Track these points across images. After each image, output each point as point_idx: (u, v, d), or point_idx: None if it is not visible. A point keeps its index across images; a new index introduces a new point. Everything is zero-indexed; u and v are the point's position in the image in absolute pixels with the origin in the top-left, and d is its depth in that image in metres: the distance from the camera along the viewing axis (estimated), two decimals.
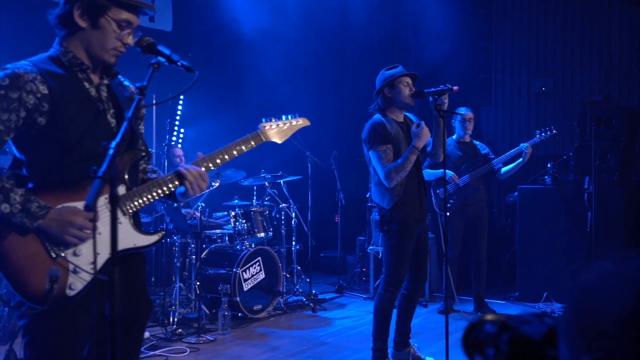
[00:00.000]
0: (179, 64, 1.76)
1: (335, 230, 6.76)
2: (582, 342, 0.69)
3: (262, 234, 5.39)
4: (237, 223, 5.26)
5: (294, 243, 5.90)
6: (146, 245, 1.88)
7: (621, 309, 0.66)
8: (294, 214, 5.80)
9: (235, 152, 2.03)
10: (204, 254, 5.15)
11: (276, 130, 2.19)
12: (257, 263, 5.12)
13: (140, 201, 1.86)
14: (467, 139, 5.27)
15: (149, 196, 1.87)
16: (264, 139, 2.12)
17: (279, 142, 2.21)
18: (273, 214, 5.80)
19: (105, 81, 1.90)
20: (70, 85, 1.81)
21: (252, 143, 2.07)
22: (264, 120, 2.17)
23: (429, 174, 4.77)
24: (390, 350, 3.70)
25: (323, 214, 7.04)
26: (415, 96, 3.52)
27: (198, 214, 4.95)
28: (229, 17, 6.46)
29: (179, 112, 6.36)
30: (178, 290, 4.84)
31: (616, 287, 0.67)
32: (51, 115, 1.76)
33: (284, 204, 5.76)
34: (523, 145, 5.02)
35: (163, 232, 1.91)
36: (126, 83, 2.04)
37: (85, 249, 1.77)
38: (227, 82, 6.82)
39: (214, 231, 5.45)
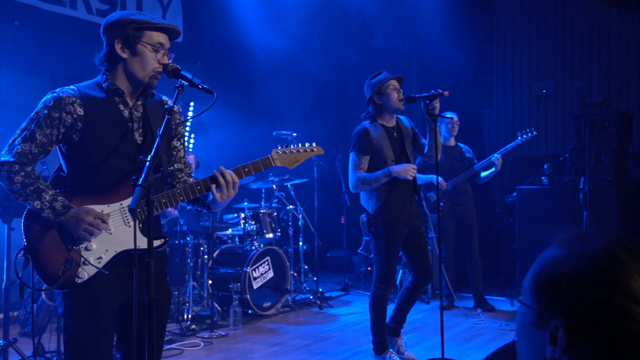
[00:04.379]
0: (199, 87, 2.02)
1: (340, 230, 6.99)
2: (554, 306, 0.81)
3: (271, 235, 5.64)
4: (246, 224, 5.50)
5: (301, 243, 6.14)
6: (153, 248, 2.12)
7: (585, 278, 0.79)
8: (300, 216, 6.05)
9: (243, 174, 2.20)
10: (215, 254, 5.41)
11: (287, 157, 2.35)
12: (266, 262, 5.36)
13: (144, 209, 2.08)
14: (452, 142, 5.49)
15: (160, 204, 2.09)
16: (272, 164, 2.31)
17: (289, 167, 2.39)
18: (281, 215, 6.05)
19: (141, 102, 2.17)
20: (105, 107, 2.10)
21: (262, 167, 2.25)
22: (278, 146, 2.35)
23: (418, 178, 4.97)
24: None
25: (329, 216, 7.25)
26: (407, 101, 3.68)
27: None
28: (237, 28, 6.73)
29: (189, 116, 6.63)
30: (191, 289, 5.10)
31: (579, 262, 0.81)
32: (83, 133, 2.05)
33: (291, 206, 6.00)
34: (494, 155, 5.24)
35: (167, 239, 2.14)
36: (170, 103, 2.24)
37: (97, 245, 2.06)
38: (234, 90, 7.07)
39: (224, 232, 5.70)
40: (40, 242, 2.03)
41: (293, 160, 2.38)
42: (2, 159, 2.02)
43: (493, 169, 5.28)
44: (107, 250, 2.06)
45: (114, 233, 2.06)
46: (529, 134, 5.32)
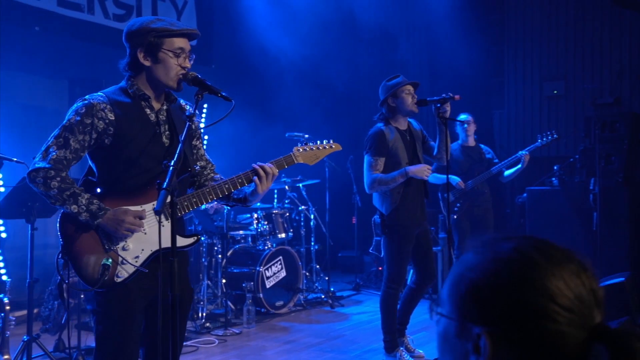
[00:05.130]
0: (219, 94, 2.12)
1: (352, 231, 7.06)
2: (474, 314, 0.79)
3: (283, 235, 5.73)
4: (259, 224, 5.59)
5: (312, 243, 6.23)
6: (184, 246, 2.23)
7: (501, 282, 0.78)
8: (312, 216, 6.13)
9: None
10: (229, 253, 5.50)
11: (308, 154, 2.45)
12: (279, 262, 5.46)
13: (180, 207, 2.20)
14: (472, 142, 5.47)
15: (189, 203, 2.20)
16: (295, 162, 2.41)
17: (310, 164, 2.48)
18: (293, 215, 6.14)
19: (164, 106, 2.27)
20: (133, 112, 2.19)
21: (285, 165, 2.37)
22: (299, 144, 2.45)
23: (436, 178, 5.01)
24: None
25: (340, 216, 7.31)
26: (419, 104, 3.77)
27: (217, 205, 5.27)
28: (250, 31, 6.83)
29: (203, 120, 6.75)
30: (205, 288, 5.21)
31: (493, 266, 0.80)
32: (115, 137, 2.14)
33: (303, 207, 6.09)
34: (522, 152, 5.22)
35: (199, 237, 2.25)
36: (187, 107, 2.38)
37: (133, 245, 2.15)
38: (247, 92, 7.17)
39: (238, 232, 5.79)
40: (77, 244, 2.10)
41: (313, 157, 2.46)
42: (38, 165, 2.08)
43: (519, 166, 5.16)
44: (142, 250, 2.14)
45: (149, 233, 2.14)
46: (549, 137, 5.26)
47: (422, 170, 3.69)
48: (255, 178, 2.23)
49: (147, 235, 2.14)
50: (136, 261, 2.13)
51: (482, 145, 5.57)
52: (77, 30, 5.47)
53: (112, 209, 2.10)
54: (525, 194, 6.21)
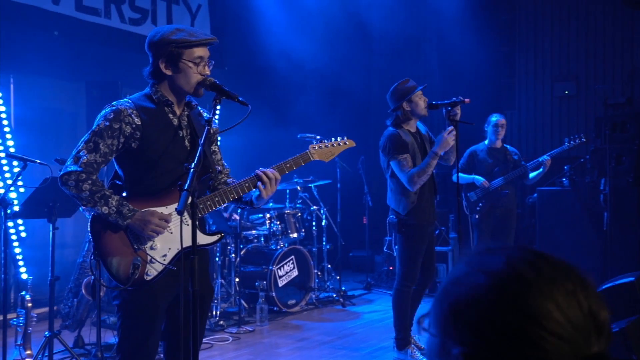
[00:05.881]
0: (236, 100, 2.21)
1: (363, 230, 7.12)
2: (454, 332, 0.70)
3: (295, 235, 5.80)
4: (271, 224, 5.67)
5: (324, 243, 6.30)
6: (208, 244, 2.33)
7: (483, 298, 0.69)
8: (324, 216, 6.21)
9: (286, 170, 2.42)
10: (242, 252, 5.58)
11: (323, 151, 2.53)
12: (291, 261, 5.54)
13: (204, 207, 2.30)
14: (499, 144, 5.41)
15: (213, 203, 2.30)
16: (311, 159, 2.49)
17: (326, 161, 2.56)
18: (305, 216, 6.22)
19: (186, 112, 2.38)
20: (158, 117, 2.29)
21: (301, 162, 2.45)
22: (314, 142, 2.53)
23: (461, 178, 5.01)
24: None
25: (352, 216, 7.37)
26: (430, 108, 3.83)
27: (237, 217, 5.41)
28: (262, 33, 6.92)
29: (216, 121, 6.85)
30: (219, 286, 5.30)
31: (477, 279, 0.71)
32: (141, 140, 2.24)
33: (315, 207, 6.17)
34: (544, 157, 5.20)
35: (222, 234, 2.35)
36: (205, 114, 2.49)
37: (160, 244, 2.24)
38: (259, 95, 7.26)
39: (250, 232, 5.88)
40: (108, 244, 2.20)
41: (329, 154, 2.53)
42: (69, 169, 2.17)
43: (541, 169, 5.20)
44: (169, 248, 2.25)
45: (175, 232, 2.24)
46: (577, 140, 5.25)
47: (447, 141, 3.67)
48: (259, 184, 2.32)
49: (173, 235, 2.24)
50: (164, 259, 2.22)
51: (509, 146, 5.51)
52: (95, 34, 5.60)
53: (140, 210, 2.20)
54: (535, 194, 6.23)
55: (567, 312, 0.67)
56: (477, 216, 5.30)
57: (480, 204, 5.29)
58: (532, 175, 5.36)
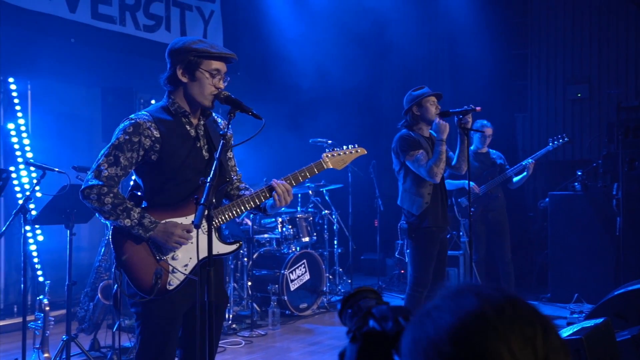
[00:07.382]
0: (250, 113, 2.26)
1: (374, 234, 7.15)
2: None
3: (307, 239, 5.84)
4: (283, 228, 5.72)
5: (336, 247, 6.34)
6: (227, 253, 2.39)
7: (443, 332, 0.68)
8: (335, 220, 6.24)
9: (301, 179, 2.48)
10: (254, 256, 5.64)
11: (336, 159, 2.59)
12: (303, 265, 5.58)
13: (223, 217, 2.35)
14: (484, 149, 5.53)
15: (231, 213, 2.36)
16: (325, 167, 2.55)
17: (339, 169, 2.61)
18: (316, 219, 6.26)
19: (201, 122, 2.42)
20: (175, 128, 2.33)
21: (315, 171, 2.51)
22: (325, 146, 2.58)
23: (450, 184, 5.06)
24: None
25: (363, 220, 7.39)
26: (441, 115, 3.87)
27: (249, 221, 5.46)
28: (274, 38, 6.98)
29: (237, 145, 6.91)
30: (232, 290, 5.35)
31: (443, 315, 0.70)
32: (161, 153, 2.28)
33: (326, 211, 6.21)
34: (527, 160, 5.27)
35: (240, 243, 2.40)
36: (219, 120, 2.54)
37: (181, 255, 2.29)
38: (272, 99, 7.32)
39: (263, 236, 5.91)
40: (130, 255, 2.24)
41: (341, 162, 2.59)
42: (91, 183, 2.22)
43: (524, 174, 5.30)
44: (190, 258, 2.30)
45: (195, 242, 2.27)
46: (560, 140, 5.33)
47: (441, 125, 3.75)
48: (274, 193, 2.37)
49: (194, 245, 2.28)
50: (185, 269, 2.27)
51: (492, 151, 5.60)
52: (110, 41, 5.69)
53: (163, 222, 2.24)
54: (547, 199, 6.21)
55: (518, 358, 0.65)
56: (469, 221, 5.34)
57: (472, 209, 5.32)
58: (516, 179, 5.41)
